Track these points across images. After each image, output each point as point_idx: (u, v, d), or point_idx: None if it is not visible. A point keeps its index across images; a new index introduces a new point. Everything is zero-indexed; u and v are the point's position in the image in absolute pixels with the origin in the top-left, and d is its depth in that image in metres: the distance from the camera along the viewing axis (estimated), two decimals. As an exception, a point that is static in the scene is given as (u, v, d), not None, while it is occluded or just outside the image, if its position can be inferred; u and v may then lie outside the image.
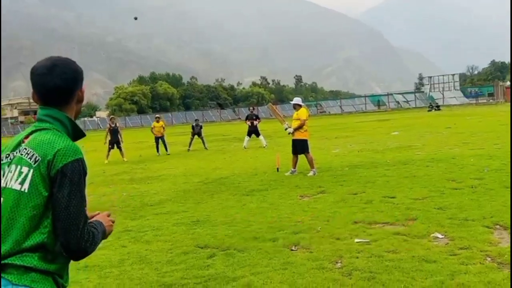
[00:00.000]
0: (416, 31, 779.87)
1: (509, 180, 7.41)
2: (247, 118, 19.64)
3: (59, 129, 1.73)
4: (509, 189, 6.83)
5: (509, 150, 10.23)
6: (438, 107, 47.25)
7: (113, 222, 1.94)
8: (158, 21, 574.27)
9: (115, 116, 19.40)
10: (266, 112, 69.66)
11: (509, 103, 36.91)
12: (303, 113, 10.14)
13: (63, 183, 1.61)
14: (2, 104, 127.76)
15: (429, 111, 45.04)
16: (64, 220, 1.60)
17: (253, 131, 19.05)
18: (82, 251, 1.65)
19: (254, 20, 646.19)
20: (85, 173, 1.70)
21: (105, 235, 1.83)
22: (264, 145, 18.25)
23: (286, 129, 10.41)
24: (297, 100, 10.65)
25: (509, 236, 4.87)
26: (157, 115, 19.66)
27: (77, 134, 1.81)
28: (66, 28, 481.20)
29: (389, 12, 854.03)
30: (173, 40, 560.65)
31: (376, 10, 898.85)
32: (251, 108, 22.14)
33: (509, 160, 9.07)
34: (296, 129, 10.05)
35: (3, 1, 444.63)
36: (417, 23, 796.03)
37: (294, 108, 10.41)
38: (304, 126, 10.05)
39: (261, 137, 18.91)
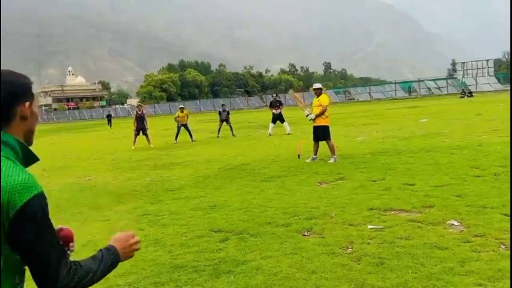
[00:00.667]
0: (450, 16, 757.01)
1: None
2: (271, 105, 19.63)
3: (10, 157, 1.42)
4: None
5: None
6: (470, 94, 45.94)
7: (137, 243, 1.62)
8: (188, 8, 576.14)
9: (142, 104, 19.73)
10: (292, 99, 69.34)
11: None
12: (324, 99, 10.07)
13: (25, 225, 1.35)
14: (37, 91, 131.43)
15: (461, 97, 43.85)
16: (35, 264, 1.38)
17: (277, 118, 19.03)
18: None
19: (284, 6, 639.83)
20: (47, 207, 1.41)
21: (117, 262, 1.55)
22: (288, 132, 18.22)
23: (307, 115, 10.36)
24: (318, 85, 10.57)
25: (527, 224, 4.75)
26: (181, 106, 19.81)
27: (28, 159, 1.50)
28: (98, 15, 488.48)
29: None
30: (203, 27, 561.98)
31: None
32: (274, 94, 22.00)
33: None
34: (317, 116, 9.99)
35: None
36: (452, 8, 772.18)
37: (316, 93, 10.34)
38: (325, 113, 9.98)
39: (285, 123, 18.87)
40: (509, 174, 7.12)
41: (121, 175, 10.59)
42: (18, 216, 1.33)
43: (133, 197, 7.96)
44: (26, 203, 1.34)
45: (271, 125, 19.06)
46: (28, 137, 1.55)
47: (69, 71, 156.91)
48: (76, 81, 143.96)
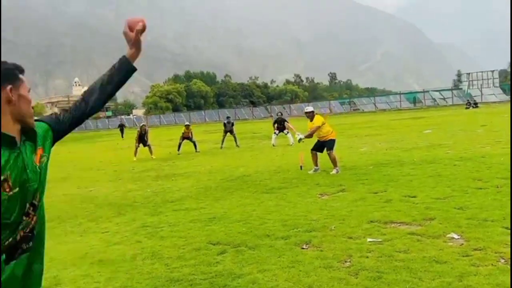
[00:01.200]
0: (457, 27, 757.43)
1: (538, 180, 7.15)
2: (275, 123, 19.63)
3: None
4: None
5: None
6: (476, 105, 45.78)
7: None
8: (194, 18, 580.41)
9: (145, 124, 19.69)
10: (298, 110, 69.50)
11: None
12: (318, 121, 10.12)
13: None
14: (43, 102, 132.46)
15: (466, 108, 43.72)
16: None
17: (281, 129, 19.07)
18: None
19: (290, 16, 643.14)
20: None
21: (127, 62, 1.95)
22: (291, 143, 18.19)
23: (299, 139, 10.51)
24: (309, 108, 10.63)
25: (528, 238, 4.69)
26: (186, 123, 19.74)
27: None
28: (105, 25, 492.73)
29: (428, 6, 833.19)
30: (208, 38, 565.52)
31: (415, 5, 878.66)
32: (279, 113, 21.59)
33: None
34: (307, 136, 10.12)
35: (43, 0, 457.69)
36: (458, 18, 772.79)
37: (308, 117, 10.35)
38: (325, 130, 10.04)
39: (289, 134, 18.87)
40: (511, 186, 7.06)
41: (123, 186, 10.60)
42: None
43: (133, 208, 7.95)
44: None
45: (274, 135, 19.07)
46: (23, 121, 1.62)
47: (75, 82, 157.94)
48: (79, 92, 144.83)
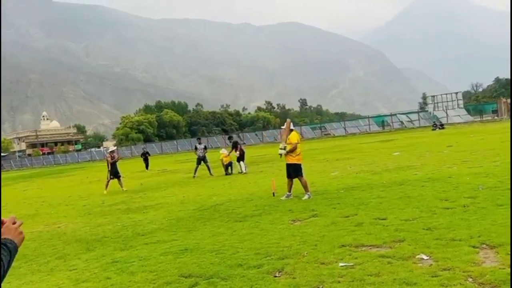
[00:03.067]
0: (420, 51, 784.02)
1: (502, 198, 7.36)
2: (234, 147, 19.85)
3: None
4: (501, 207, 6.78)
5: (509, 167, 10.15)
6: (442, 126, 47.06)
7: (20, 226, 1.76)
8: (164, 49, 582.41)
9: (115, 150, 19.25)
10: (270, 136, 69.87)
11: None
12: (294, 137, 10.18)
13: None
14: (10, 137, 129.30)
15: (433, 130, 44.87)
16: None
17: (239, 157, 19.32)
18: None
19: (259, 47, 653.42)
20: None
21: (17, 250, 1.71)
22: (244, 171, 18.77)
23: (280, 149, 10.33)
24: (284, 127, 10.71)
25: (494, 255, 4.79)
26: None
27: None
28: (74, 59, 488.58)
29: (393, 33, 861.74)
30: (179, 67, 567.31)
31: (378, 32, 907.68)
32: (228, 136, 22.21)
33: (508, 176, 9.01)
34: (288, 152, 10.07)
35: (9, 36, 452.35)
36: (422, 42, 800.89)
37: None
38: (296, 150, 10.07)
39: (242, 163, 19.23)
40: (477, 205, 7.24)
41: (92, 221, 10.36)
42: None
43: (103, 244, 7.75)
44: None
45: (242, 163, 19.25)
46: None
47: (43, 116, 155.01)
48: (51, 126, 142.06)
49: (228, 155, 19.67)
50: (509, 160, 10.86)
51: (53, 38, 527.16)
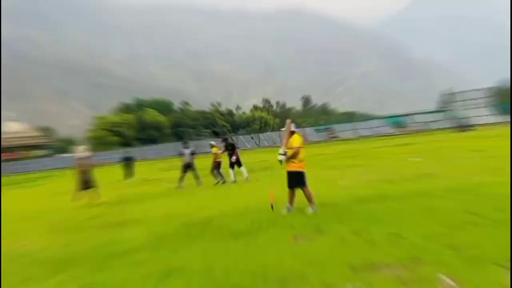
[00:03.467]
0: (441, 40, 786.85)
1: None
2: (227, 150, 20.10)
3: None
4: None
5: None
6: (469, 127, 47.29)
7: None
8: (148, 41, 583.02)
9: (88, 154, 19.16)
10: (268, 139, 70.00)
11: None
12: (296, 140, 10.16)
13: None
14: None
15: (460, 131, 45.08)
16: None
17: (234, 162, 19.55)
18: None
19: (255, 37, 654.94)
20: None
21: None
22: (245, 177, 19.15)
23: (279, 155, 10.18)
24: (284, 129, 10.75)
25: (527, 277, 4.83)
26: None
27: None
28: (38, 50, 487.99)
29: (409, 19, 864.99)
30: (162, 60, 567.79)
31: (392, 19, 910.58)
32: (221, 137, 22.42)
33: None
34: (289, 158, 10.06)
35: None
36: (443, 31, 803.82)
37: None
38: (299, 156, 10.07)
39: (242, 168, 19.58)
40: (508, 220, 7.29)
41: (63, 238, 10.35)
42: None
43: (74, 264, 7.76)
44: None
45: (230, 170, 19.35)
46: None
47: (11, 117, 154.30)
48: (12, 129, 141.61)
49: (222, 153, 19.90)
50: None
51: (15, 27, 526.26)
